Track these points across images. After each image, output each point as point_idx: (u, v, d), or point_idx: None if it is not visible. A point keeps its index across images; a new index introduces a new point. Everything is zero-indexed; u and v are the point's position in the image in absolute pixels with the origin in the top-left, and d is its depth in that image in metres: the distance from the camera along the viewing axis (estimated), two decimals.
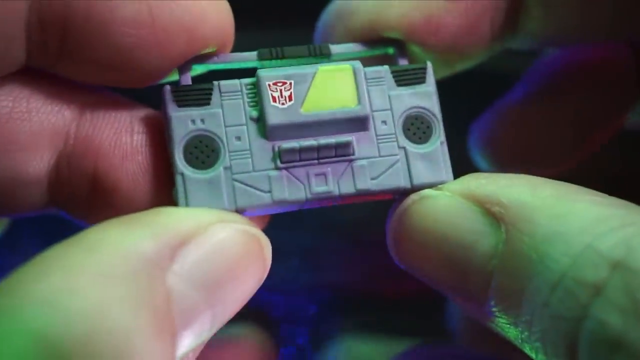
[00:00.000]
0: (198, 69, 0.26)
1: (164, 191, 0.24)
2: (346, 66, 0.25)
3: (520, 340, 0.21)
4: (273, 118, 0.24)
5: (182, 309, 0.20)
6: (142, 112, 0.25)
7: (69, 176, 0.24)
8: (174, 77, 0.25)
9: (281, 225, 0.27)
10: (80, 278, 0.18)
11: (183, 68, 0.25)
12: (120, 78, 0.24)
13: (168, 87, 0.24)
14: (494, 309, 0.22)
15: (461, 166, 0.28)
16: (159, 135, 0.25)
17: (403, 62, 0.26)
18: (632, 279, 0.19)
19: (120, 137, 0.24)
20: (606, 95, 0.35)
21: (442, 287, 0.24)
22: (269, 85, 0.24)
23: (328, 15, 0.27)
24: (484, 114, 0.35)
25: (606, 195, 0.22)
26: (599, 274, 0.19)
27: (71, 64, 0.24)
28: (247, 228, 0.23)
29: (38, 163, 0.24)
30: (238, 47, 0.26)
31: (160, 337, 0.19)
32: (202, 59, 0.25)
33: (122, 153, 0.24)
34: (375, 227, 0.26)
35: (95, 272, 0.19)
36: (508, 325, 0.22)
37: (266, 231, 0.24)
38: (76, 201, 0.25)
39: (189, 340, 0.20)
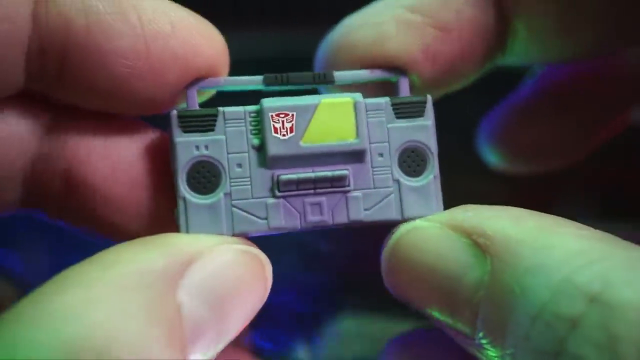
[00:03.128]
0: (206, 92, 0.27)
1: (139, 188, 0.26)
2: (347, 99, 0.25)
3: None
4: (273, 149, 0.25)
5: (191, 323, 0.21)
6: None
7: (43, 173, 0.26)
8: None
9: None
10: (98, 291, 0.20)
11: (189, 91, 0.25)
12: (117, 105, 0.25)
13: (175, 112, 0.25)
14: (482, 341, 0.22)
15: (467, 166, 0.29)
16: (132, 133, 0.26)
17: (405, 89, 0.27)
18: (608, 314, 0.19)
19: (93, 134, 0.26)
20: (611, 95, 0.35)
21: (433, 318, 0.25)
22: (272, 116, 0.25)
23: (328, 47, 0.28)
24: (493, 111, 0.36)
25: (589, 228, 0.22)
26: (576, 307, 0.20)
27: (69, 90, 0.25)
28: (249, 249, 0.24)
29: (12, 158, 0.25)
30: (237, 47, 0.27)
31: (173, 347, 0.20)
32: (208, 82, 0.26)
33: (94, 150, 0.26)
34: None
35: (111, 286, 0.20)
36: (496, 358, 0.22)
37: None
38: (51, 199, 0.26)
39: (197, 354, 0.22)
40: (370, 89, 0.27)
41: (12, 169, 0.25)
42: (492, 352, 0.22)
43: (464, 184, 0.27)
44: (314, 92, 0.27)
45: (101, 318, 0.19)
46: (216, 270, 0.22)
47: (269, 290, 0.24)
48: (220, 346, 0.23)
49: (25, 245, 0.34)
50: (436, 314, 0.24)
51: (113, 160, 0.26)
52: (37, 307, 0.19)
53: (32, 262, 0.36)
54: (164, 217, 0.26)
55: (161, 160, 0.26)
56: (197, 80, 0.26)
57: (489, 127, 0.36)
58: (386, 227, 0.26)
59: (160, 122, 0.26)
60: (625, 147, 0.38)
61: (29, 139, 0.25)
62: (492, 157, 0.36)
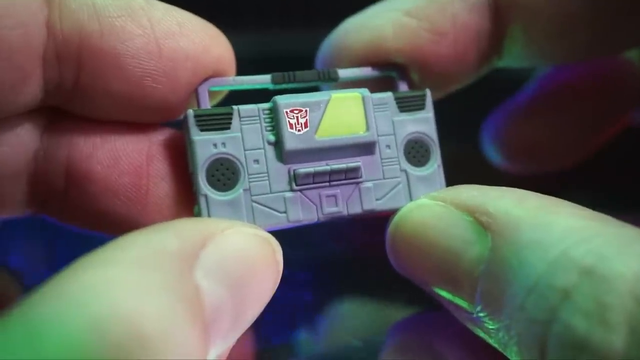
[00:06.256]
0: (218, 95, 0.28)
1: (143, 176, 0.26)
2: (356, 94, 0.27)
3: (503, 346, 0.23)
4: (290, 144, 0.26)
5: (210, 305, 0.21)
6: None
7: (46, 170, 0.26)
8: None
9: None
10: (117, 271, 0.19)
11: (201, 90, 0.26)
12: (132, 112, 0.26)
13: (191, 111, 0.25)
14: (480, 314, 0.23)
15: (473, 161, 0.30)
16: (129, 125, 0.26)
17: (403, 85, 0.28)
18: (599, 284, 0.20)
19: (92, 126, 0.26)
20: (612, 96, 0.36)
21: (434, 294, 0.26)
22: (287, 112, 0.26)
23: (328, 47, 0.29)
24: (496, 112, 0.37)
25: (586, 209, 0.23)
26: (569, 279, 0.20)
27: (86, 99, 0.25)
28: (259, 232, 0.24)
29: (15, 157, 0.25)
30: (238, 47, 0.28)
31: (195, 325, 0.20)
32: (218, 81, 0.27)
33: (94, 140, 0.26)
34: None
35: (129, 266, 0.20)
36: (493, 331, 0.23)
37: None
38: (55, 198, 0.26)
39: (217, 340, 0.21)
40: (366, 86, 0.28)
41: (17, 168, 0.26)
42: (489, 325, 0.23)
43: (468, 180, 0.27)
44: (316, 89, 0.28)
45: (124, 294, 0.19)
46: (230, 252, 0.22)
47: (280, 275, 0.24)
48: (238, 333, 0.23)
49: (26, 241, 0.34)
50: (437, 289, 0.25)
51: (114, 149, 0.26)
52: (59, 288, 0.19)
53: (33, 258, 0.36)
54: (171, 206, 0.27)
55: (166, 147, 0.27)
56: (207, 79, 0.26)
57: (492, 127, 0.37)
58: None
59: None
60: (626, 148, 0.39)
61: (29, 136, 0.26)
62: (494, 156, 0.37)
